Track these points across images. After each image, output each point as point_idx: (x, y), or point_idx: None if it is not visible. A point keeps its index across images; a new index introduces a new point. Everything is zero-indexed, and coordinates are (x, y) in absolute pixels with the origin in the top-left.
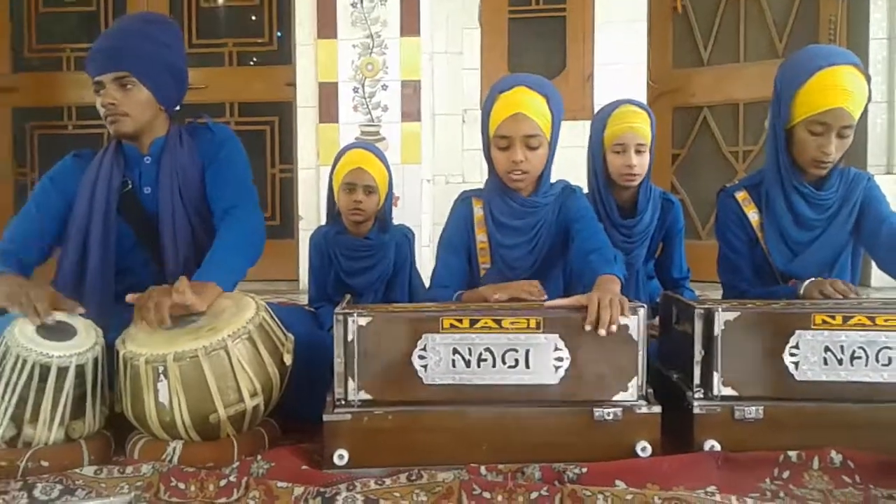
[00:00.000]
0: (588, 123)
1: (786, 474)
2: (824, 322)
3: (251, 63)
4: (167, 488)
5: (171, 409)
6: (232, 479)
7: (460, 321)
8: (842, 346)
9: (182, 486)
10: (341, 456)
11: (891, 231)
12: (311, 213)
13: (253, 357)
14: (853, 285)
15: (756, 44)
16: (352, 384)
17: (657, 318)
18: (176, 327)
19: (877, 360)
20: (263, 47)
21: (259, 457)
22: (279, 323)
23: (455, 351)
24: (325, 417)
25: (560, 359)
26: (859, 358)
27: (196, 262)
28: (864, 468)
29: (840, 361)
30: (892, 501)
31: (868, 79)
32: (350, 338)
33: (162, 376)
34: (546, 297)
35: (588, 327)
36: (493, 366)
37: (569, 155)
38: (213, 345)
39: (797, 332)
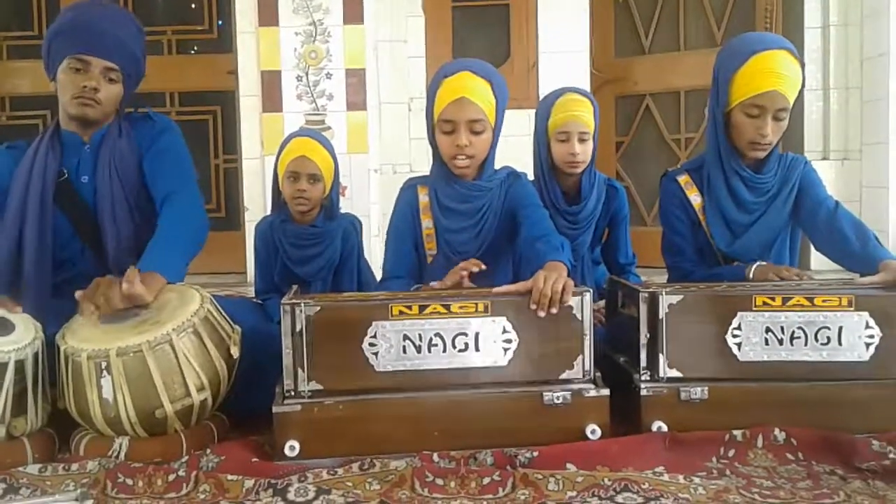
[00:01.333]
0: (533, 112)
1: (731, 453)
2: (765, 303)
3: (192, 52)
4: (114, 484)
5: (116, 405)
6: (181, 473)
7: (409, 307)
8: (782, 327)
9: (129, 481)
10: (292, 447)
11: (828, 214)
12: (256, 204)
13: (199, 350)
14: (799, 269)
15: (695, 32)
16: (301, 375)
17: (603, 303)
18: (118, 321)
19: (816, 340)
20: (203, 35)
21: (208, 450)
22: (225, 315)
23: (405, 337)
24: (275, 409)
25: (508, 340)
26: (799, 338)
27: (138, 253)
28: (807, 445)
29: (780, 341)
30: (834, 477)
31: (802, 64)
32: (298, 328)
33: (105, 372)
34: (484, 267)
35: (533, 306)
36: (444, 350)
37: (514, 143)
38: (158, 339)
39: (739, 313)
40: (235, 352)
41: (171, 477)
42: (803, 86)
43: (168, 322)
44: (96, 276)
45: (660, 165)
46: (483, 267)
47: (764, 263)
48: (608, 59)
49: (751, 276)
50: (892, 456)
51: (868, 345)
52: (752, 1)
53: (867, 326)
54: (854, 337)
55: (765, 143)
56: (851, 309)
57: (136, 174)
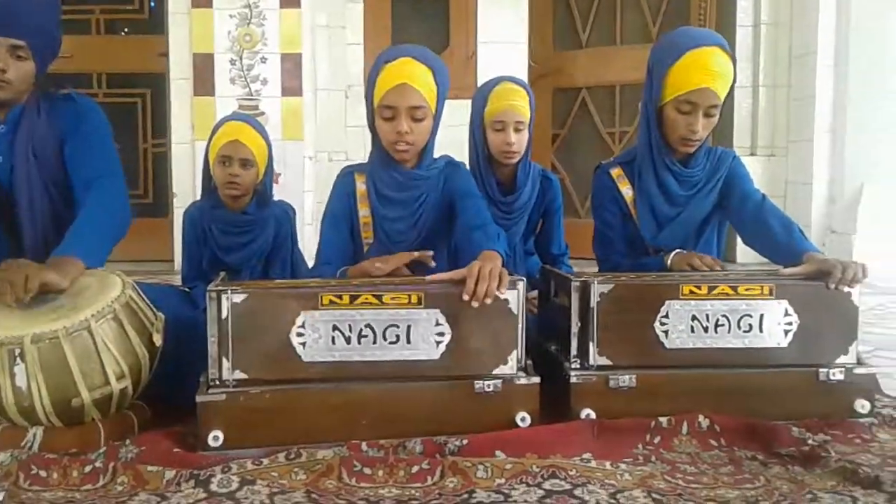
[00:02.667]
0: (471, 102)
1: (657, 439)
2: (691, 292)
3: (122, 33)
4: (27, 476)
5: (30, 394)
6: (98, 464)
7: (340, 297)
8: (707, 315)
9: (43, 473)
10: (216, 437)
11: (755, 207)
12: (186, 190)
13: (119, 337)
14: (719, 259)
15: (631, 28)
16: (226, 363)
17: (536, 292)
18: (34, 307)
19: (738, 327)
20: (134, 15)
21: (128, 441)
22: (148, 301)
23: (335, 328)
24: (199, 398)
25: (441, 333)
26: (723, 325)
27: (56, 237)
28: (729, 431)
29: (706, 329)
30: (755, 462)
31: (734, 60)
32: (224, 315)
33: (19, 359)
34: (433, 264)
35: (466, 297)
36: (374, 342)
37: (452, 133)
38: (76, 325)
39: (667, 302)
40: (158, 339)
41: (88, 468)
42: (734, 82)
43: (86, 308)
44: (13, 259)
45: (594, 158)
46: (432, 264)
47: (681, 252)
48: (546, 52)
49: (668, 263)
50: (810, 442)
51: (787, 332)
52: None
53: (786, 314)
54: (774, 324)
55: (695, 139)
56: (772, 297)
57: (55, 156)
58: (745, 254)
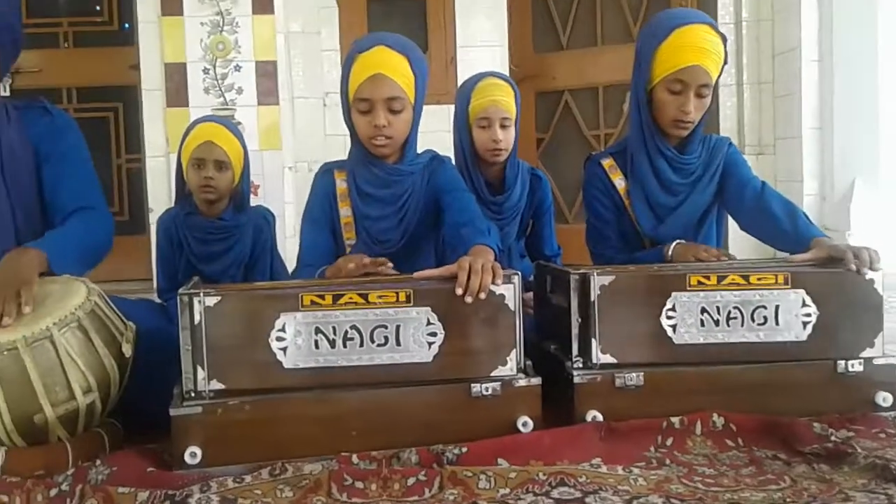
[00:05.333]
0: (452, 107)
1: (669, 441)
2: (699, 283)
3: (92, 45)
4: None
5: None
6: (64, 487)
7: (322, 297)
8: (718, 307)
9: (6, 498)
10: (193, 454)
11: (755, 194)
12: (162, 204)
13: (85, 348)
14: (719, 250)
15: (612, 27)
16: (201, 373)
17: (531, 294)
18: None
19: (752, 320)
20: (103, 27)
21: (98, 461)
22: (116, 310)
23: (318, 330)
24: (173, 412)
25: (433, 334)
26: (735, 318)
27: None
28: (746, 430)
29: (717, 322)
30: (778, 462)
31: (724, 39)
32: (197, 321)
33: None
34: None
35: (459, 291)
36: (361, 345)
37: (434, 139)
38: (36, 334)
39: (673, 293)
40: (128, 350)
41: (53, 491)
42: (725, 62)
43: (48, 316)
44: None
45: (580, 161)
46: (390, 266)
47: (683, 242)
48: (527, 55)
49: (669, 255)
50: (833, 439)
51: (805, 324)
52: None
53: (804, 304)
54: (791, 316)
55: (687, 120)
56: (787, 286)
57: (25, 170)
58: (735, 244)
